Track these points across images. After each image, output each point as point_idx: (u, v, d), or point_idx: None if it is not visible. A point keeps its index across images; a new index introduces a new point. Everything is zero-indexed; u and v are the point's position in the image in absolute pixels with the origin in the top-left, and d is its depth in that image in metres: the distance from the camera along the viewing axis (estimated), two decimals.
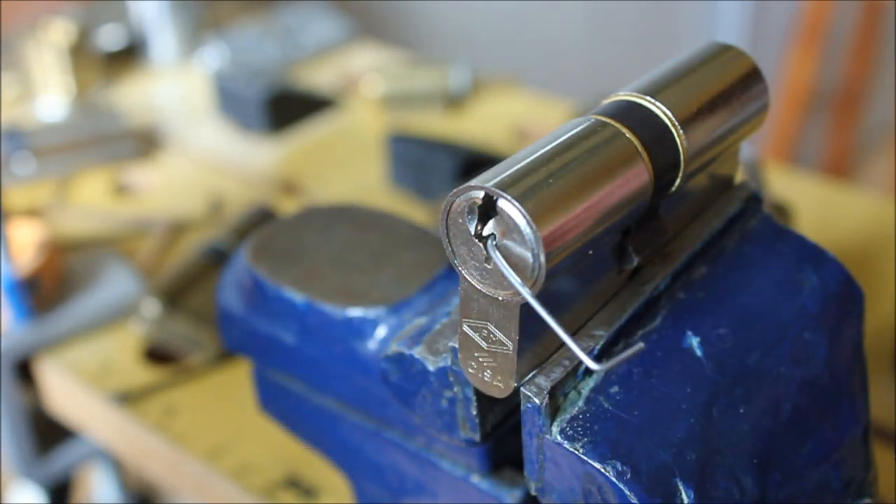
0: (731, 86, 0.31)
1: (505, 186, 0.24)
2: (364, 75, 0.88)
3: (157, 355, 0.58)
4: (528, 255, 0.24)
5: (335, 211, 0.44)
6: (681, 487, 0.27)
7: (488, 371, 0.28)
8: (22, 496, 0.82)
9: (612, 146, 0.26)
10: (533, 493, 0.29)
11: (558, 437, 0.27)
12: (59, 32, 0.85)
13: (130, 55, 0.96)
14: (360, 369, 0.37)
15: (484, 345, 0.27)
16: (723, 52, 0.32)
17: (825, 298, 0.32)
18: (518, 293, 0.25)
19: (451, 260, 0.26)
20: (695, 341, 0.29)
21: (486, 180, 0.25)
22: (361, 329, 0.37)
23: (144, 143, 0.81)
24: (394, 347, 0.32)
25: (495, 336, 0.27)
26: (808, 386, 0.31)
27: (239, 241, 0.61)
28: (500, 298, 0.26)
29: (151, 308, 0.56)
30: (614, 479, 0.26)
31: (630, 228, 0.29)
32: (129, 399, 0.55)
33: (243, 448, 0.51)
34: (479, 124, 0.82)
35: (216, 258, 0.60)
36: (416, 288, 0.37)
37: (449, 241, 0.26)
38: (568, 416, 0.27)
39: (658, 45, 1.79)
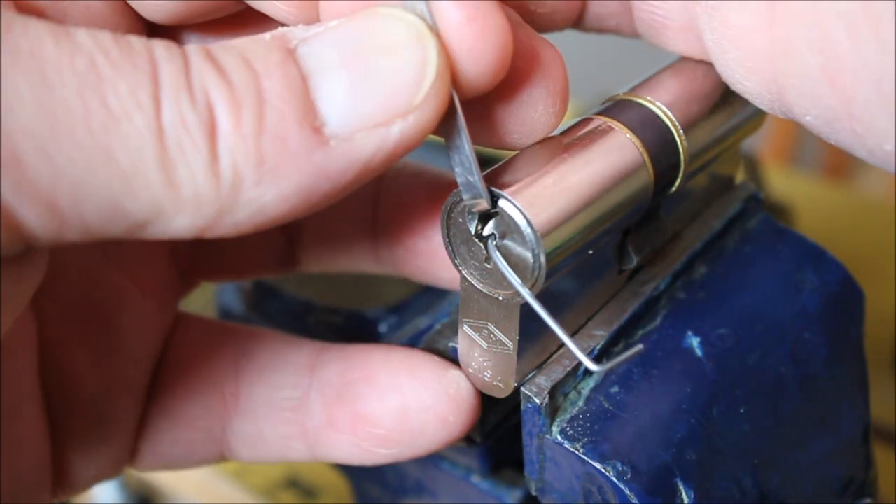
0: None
1: (505, 186, 0.24)
2: None
3: None
4: (528, 255, 0.24)
5: None
6: (681, 487, 0.27)
7: (488, 371, 0.28)
8: None
9: (612, 146, 0.26)
10: (533, 493, 0.29)
11: (558, 437, 0.27)
12: None
13: None
14: None
15: (484, 345, 0.27)
16: None
17: (825, 298, 0.32)
18: (518, 293, 0.25)
19: (452, 260, 0.26)
20: (695, 341, 0.29)
21: (486, 180, 0.25)
22: (362, 329, 0.37)
23: None
24: None
25: (495, 336, 0.27)
26: (808, 386, 0.31)
27: None
28: (500, 298, 0.26)
29: None
30: (615, 479, 0.26)
31: (630, 228, 0.29)
32: None
33: None
34: None
35: None
36: (416, 288, 0.37)
37: (449, 241, 0.26)
38: (568, 416, 0.27)
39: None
